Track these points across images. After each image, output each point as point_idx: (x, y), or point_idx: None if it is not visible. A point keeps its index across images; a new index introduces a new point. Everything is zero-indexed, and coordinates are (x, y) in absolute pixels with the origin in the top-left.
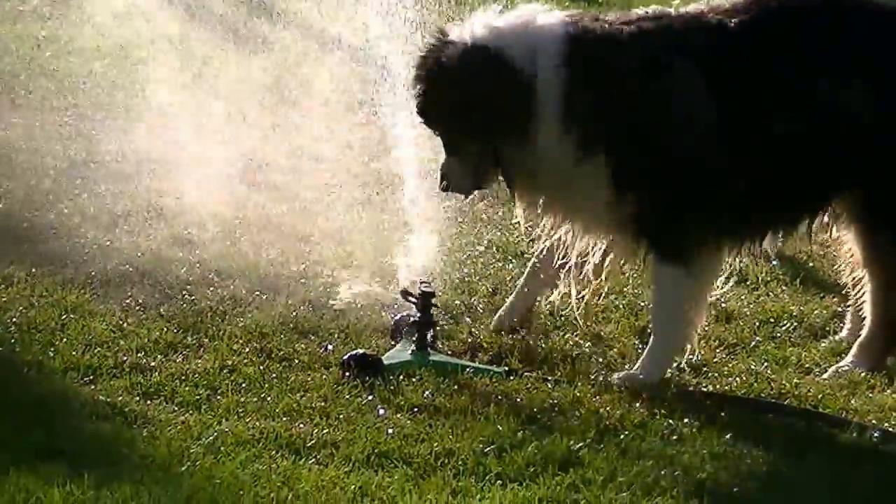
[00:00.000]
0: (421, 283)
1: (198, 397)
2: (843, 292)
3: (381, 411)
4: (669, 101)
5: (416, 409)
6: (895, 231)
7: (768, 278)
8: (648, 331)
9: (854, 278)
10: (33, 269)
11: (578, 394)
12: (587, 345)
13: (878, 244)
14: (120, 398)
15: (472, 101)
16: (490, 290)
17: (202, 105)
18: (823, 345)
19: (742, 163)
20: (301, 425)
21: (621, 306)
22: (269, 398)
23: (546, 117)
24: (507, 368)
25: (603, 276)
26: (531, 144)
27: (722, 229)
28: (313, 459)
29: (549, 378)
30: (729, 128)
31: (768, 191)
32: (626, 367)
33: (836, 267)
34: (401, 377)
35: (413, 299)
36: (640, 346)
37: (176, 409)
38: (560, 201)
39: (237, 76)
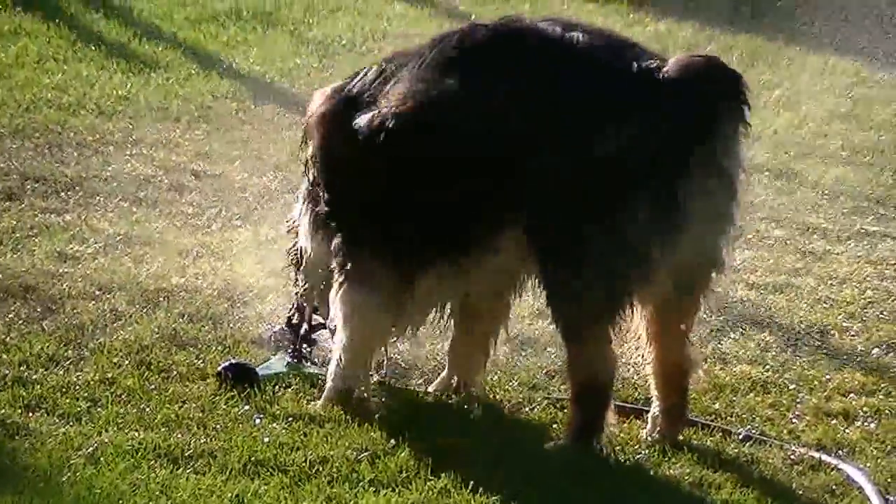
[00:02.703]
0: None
1: (78, 409)
2: None
3: (258, 420)
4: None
5: (291, 418)
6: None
7: None
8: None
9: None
10: None
11: (449, 402)
12: None
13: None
14: (2, 411)
15: None
16: None
17: (88, 124)
18: None
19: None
20: (179, 435)
21: None
22: (147, 409)
23: None
24: (379, 379)
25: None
26: None
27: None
28: (191, 468)
29: (422, 386)
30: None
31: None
32: (497, 374)
33: None
34: (276, 387)
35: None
36: (510, 353)
37: (57, 420)
38: None
39: (123, 94)
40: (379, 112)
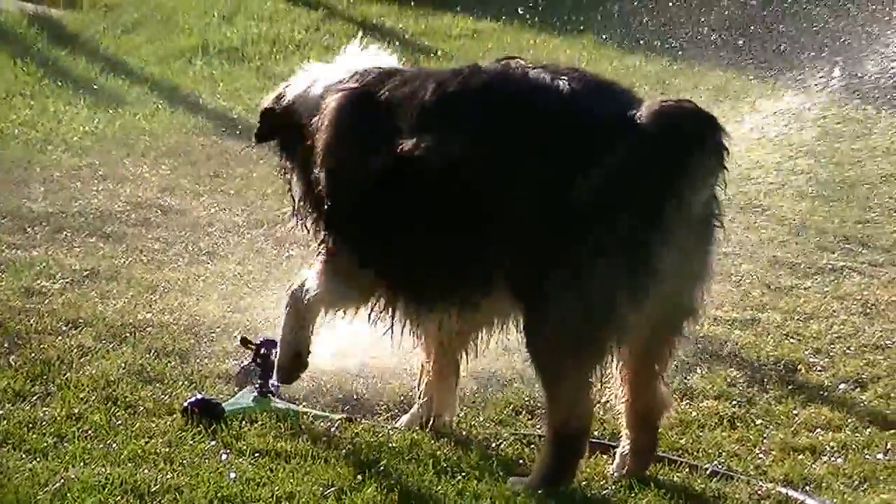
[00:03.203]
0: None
1: (45, 445)
2: None
3: (224, 456)
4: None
5: (257, 454)
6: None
7: None
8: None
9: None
10: None
11: (416, 437)
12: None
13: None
14: None
15: None
16: None
17: (55, 159)
18: None
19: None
20: (146, 471)
21: None
22: (114, 444)
23: None
24: (346, 415)
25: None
26: None
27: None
28: None
29: (388, 422)
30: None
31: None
32: (464, 410)
33: None
34: (243, 422)
35: (252, 346)
36: (477, 388)
37: (24, 456)
38: None
39: (90, 130)
40: (380, 151)
